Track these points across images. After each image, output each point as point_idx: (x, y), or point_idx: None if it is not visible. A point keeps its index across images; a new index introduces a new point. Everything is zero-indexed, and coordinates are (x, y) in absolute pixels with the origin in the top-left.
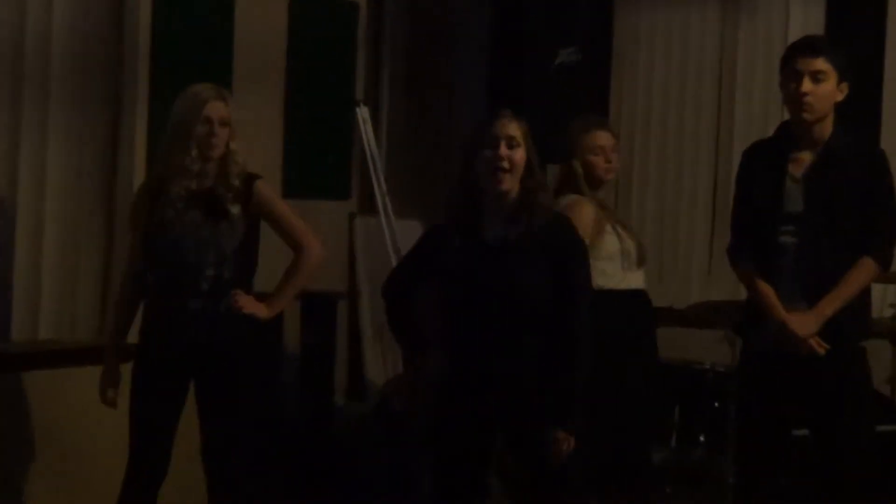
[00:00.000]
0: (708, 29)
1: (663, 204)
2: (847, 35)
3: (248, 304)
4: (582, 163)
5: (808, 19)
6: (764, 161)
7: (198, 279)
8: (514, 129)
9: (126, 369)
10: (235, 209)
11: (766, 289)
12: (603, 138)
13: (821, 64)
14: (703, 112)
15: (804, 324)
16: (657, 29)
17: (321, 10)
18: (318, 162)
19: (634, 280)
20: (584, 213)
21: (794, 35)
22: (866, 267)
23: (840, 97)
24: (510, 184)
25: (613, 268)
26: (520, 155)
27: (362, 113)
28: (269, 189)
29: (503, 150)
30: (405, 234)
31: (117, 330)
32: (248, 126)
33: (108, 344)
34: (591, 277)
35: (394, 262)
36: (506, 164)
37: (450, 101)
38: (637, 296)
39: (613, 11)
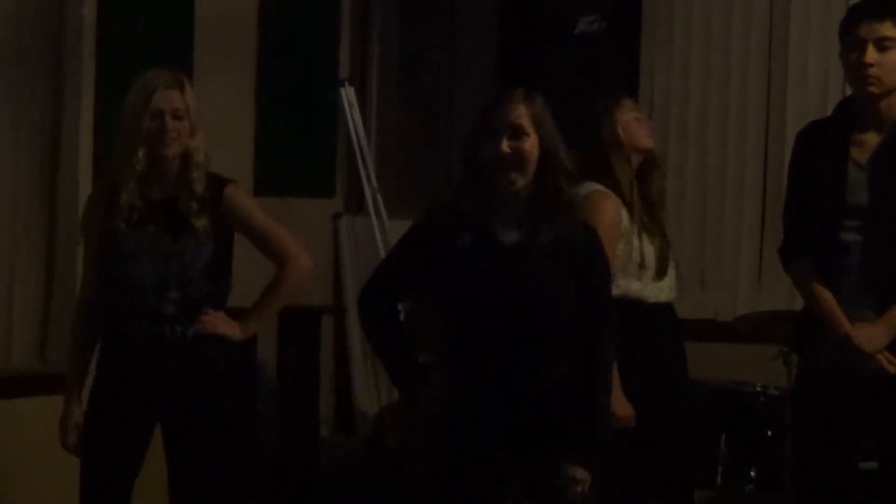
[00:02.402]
0: None
1: (704, 197)
2: None
3: (220, 324)
4: (623, 128)
5: None
6: (822, 145)
7: (159, 302)
8: (520, 114)
9: None
10: (201, 222)
11: (827, 296)
12: (635, 106)
13: (888, 29)
14: (749, 88)
15: (871, 337)
16: None
17: None
18: (296, 153)
19: (655, 292)
20: (605, 210)
21: None
22: None
23: None
24: (518, 180)
25: (626, 277)
26: (529, 145)
27: (347, 94)
28: (241, 195)
29: (504, 145)
30: (399, 236)
31: (77, 365)
32: (212, 112)
33: (69, 382)
34: (613, 301)
35: None
36: (508, 162)
37: (451, 80)
38: (657, 310)
39: None
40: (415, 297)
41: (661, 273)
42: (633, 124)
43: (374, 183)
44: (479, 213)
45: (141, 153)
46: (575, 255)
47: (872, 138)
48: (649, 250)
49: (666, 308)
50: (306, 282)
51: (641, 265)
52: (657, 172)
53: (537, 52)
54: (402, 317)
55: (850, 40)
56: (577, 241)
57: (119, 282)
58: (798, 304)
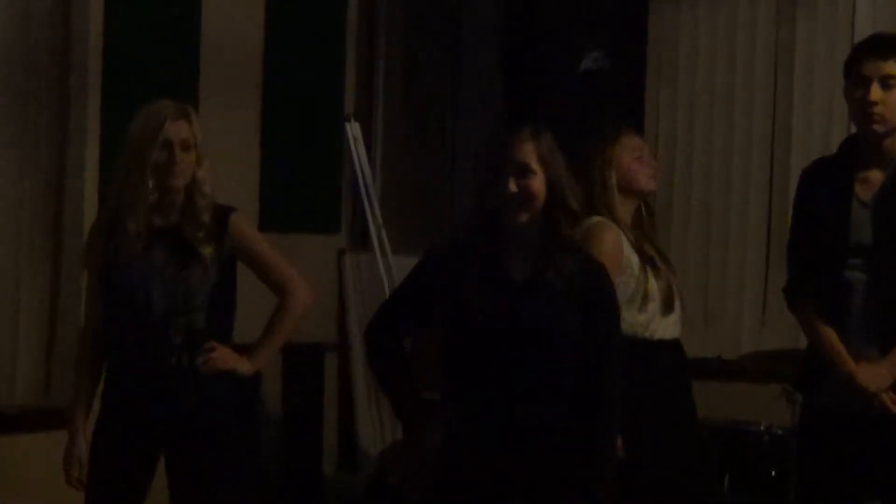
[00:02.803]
0: (760, 27)
1: (708, 235)
2: None
3: (228, 359)
4: (618, 171)
5: (877, 14)
6: (827, 182)
7: (167, 330)
8: (527, 154)
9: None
10: (207, 249)
11: (830, 334)
12: (638, 141)
13: (893, 67)
14: (754, 126)
15: (875, 376)
16: (699, 28)
17: (304, 6)
18: (301, 189)
19: (661, 328)
20: (604, 242)
21: (862, 33)
22: None
23: None
24: (525, 216)
25: (630, 312)
26: (536, 184)
27: (353, 130)
28: (245, 224)
29: (512, 184)
30: (405, 273)
31: (82, 396)
32: (217, 147)
33: (72, 414)
34: (621, 337)
35: None
36: (515, 200)
37: (456, 117)
38: (663, 346)
39: (647, 8)
40: (418, 331)
41: (667, 309)
42: (633, 166)
43: (379, 219)
44: (487, 249)
45: (151, 184)
46: (582, 290)
47: (877, 176)
48: (655, 286)
49: (673, 344)
50: (309, 312)
51: (647, 300)
52: (650, 210)
53: (542, 89)
54: (406, 351)
55: (855, 78)
56: (584, 277)
57: (125, 310)
58: (802, 342)
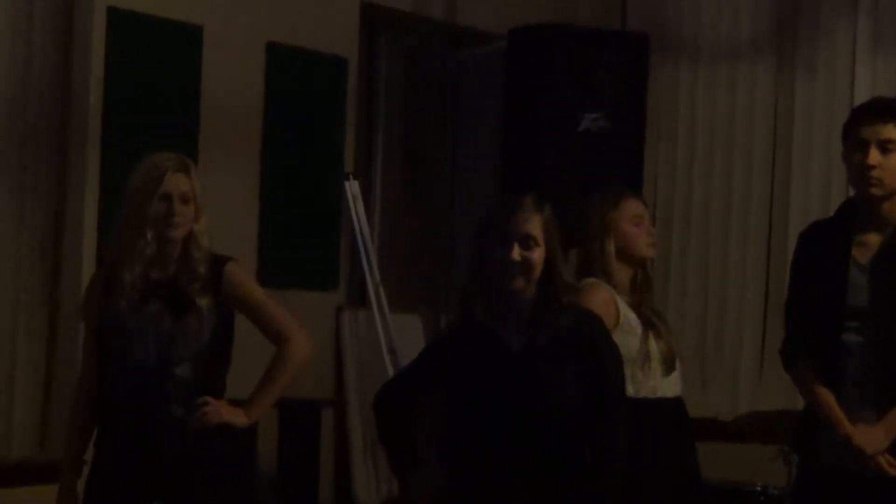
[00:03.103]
0: (759, 89)
1: (706, 295)
2: None
3: (223, 412)
4: (617, 238)
5: (877, 77)
6: (824, 245)
7: (162, 382)
8: (533, 225)
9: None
10: (204, 300)
11: (827, 396)
12: (638, 206)
13: (891, 131)
14: (752, 188)
15: (872, 438)
16: (698, 90)
17: (304, 65)
18: (300, 245)
19: (663, 386)
20: (594, 300)
21: (861, 96)
22: None
23: None
24: (523, 284)
25: (631, 372)
26: (538, 255)
27: (351, 188)
28: (242, 273)
29: (516, 252)
30: (402, 330)
31: (75, 448)
32: (216, 202)
33: (65, 465)
34: (625, 388)
35: (388, 364)
36: (517, 269)
37: (454, 175)
38: (667, 405)
39: (647, 70)
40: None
41: (668, 369)
42: (631, 232)
43: (377, 276)
44: (485, 318)
45: (150, 236)
46: (582, 349)
47: (874, 239)
48: (655, 346)
49: (675, 402)
50: (307, 363)
51: (648, 359)
52: (646, 275)
53: (541, 150)
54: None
55: (853, 142)
56: (578, 329)
57: (121, 361)
58: (799, 403)
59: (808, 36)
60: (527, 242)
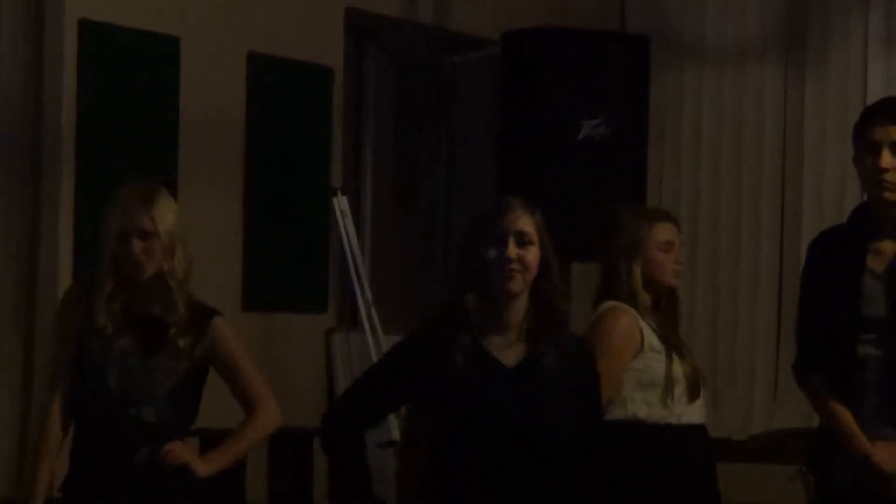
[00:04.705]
0: (767, 91)
1: (716, 309)
2: None
3: (185, 454)
4: (644, 261)
5: (890, 76)
6: (837, 253)
7: (122, 419)
8: (526, 222)
9: None
10: (182, 341)
11: (843, 413)
12: (671, 231)
13: None
14: (762, 195)
15: (891, 456)
16: (703, 93)
17: (287, 76)
18: (287, 266)
19: (688, 413)
20: (618, 324)
21: (874, 96)
22: None
23: None
24: (520, 285)
25: (655, 397)
26: (533, 254)
27: (340, 203)
28: (229, 332)
29: (512, 248)
30: None
31: (39, 483)
32: (199, 224)
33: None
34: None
35: None
36: (516, 266)
37: (448, 188)
38: (691, 432)
39: (648, 73)
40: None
41: (693, 395)
42: (659, 260)
43: (369, 296)
44: (471, 332)
45: (108, 279)
46: (575, 375)
47: (889, 246)
48: (680, 370)
49: (700, 429)
50: (272, 431)
51: (672, 385)
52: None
53: (539, 158)
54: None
55: (865, 144)
56: (578, 361)
57: (84, 395)
58: (815, 421)
59: (818, 34)
60: (522, 239)
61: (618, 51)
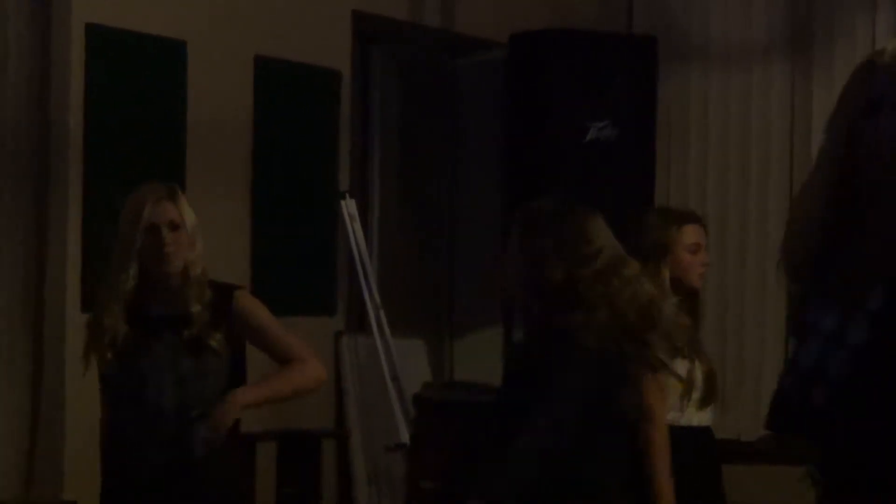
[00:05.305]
0: (775, 92)
1: (725, 312)
2: None
3: (227, 415)
4: (672, 263)
5: None
6: None
7: (180, 430)
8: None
9: None
10: (216, 336)
11: None
12: (699, 233)
13: None
14: (770, 196)
15: None
16: (711, 95)
17: (294, 79)
18: (295, 269)
19: (699, 416)
20: None
21: None
22: None
23: None
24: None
25: (674, 399)
26: None
27: (348, 207)
28: (252, 300)
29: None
30: (405, 356)
31: None
32: (206, 227)
33: None
34: None
35: (391, 391)
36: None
37: (455, 189)
38: (699, 434)
39: (656, 75)
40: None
41: (709, 399)
42: (687, 261)
43: (377, 299)
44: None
45: (132, 271)
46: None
47: None
48: (699, 375)
49: (706, 432)
50: (317, 386)
51: (691, 389)
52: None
53: (546, 161)
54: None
55: None
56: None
57: (128, 410)
58: None
59: (826, 35)
60: None
61: (625, 52)
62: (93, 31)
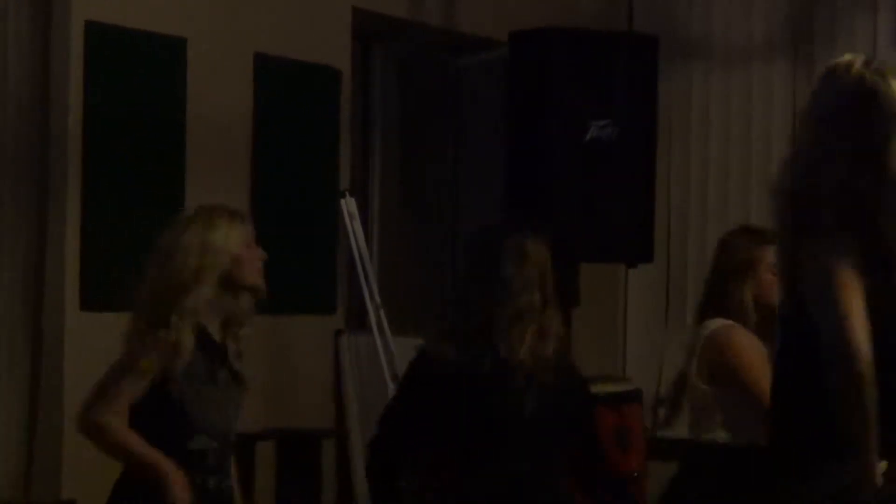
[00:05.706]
0: (776, 90)
1: None
2: None
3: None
4: (756, 283)
5: None
6: None
7: (226, 454)
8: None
9: None
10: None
11: None
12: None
13: None
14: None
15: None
16: (712, 93)
17: (294, 77)
18: (295, 268)
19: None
20: (748, 335)
21: None
22: None
23: None
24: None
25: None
26: None
27: (348, 205)
28: None
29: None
30: (405, 355)
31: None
32: None
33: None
34: None
35: (391, 390)
36: None
37: (456, 189)
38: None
39: (657, 73)
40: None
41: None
42: (769, 281)
43: (377, 298)
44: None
45: (214, 292)
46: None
47: None
48: None
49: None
50: None
51: None
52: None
53: (547, 159)
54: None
55: None
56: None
57: (194, 430)
58: None
59: (826, 34)
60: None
61: (626, 51)
62: (92, 28)
